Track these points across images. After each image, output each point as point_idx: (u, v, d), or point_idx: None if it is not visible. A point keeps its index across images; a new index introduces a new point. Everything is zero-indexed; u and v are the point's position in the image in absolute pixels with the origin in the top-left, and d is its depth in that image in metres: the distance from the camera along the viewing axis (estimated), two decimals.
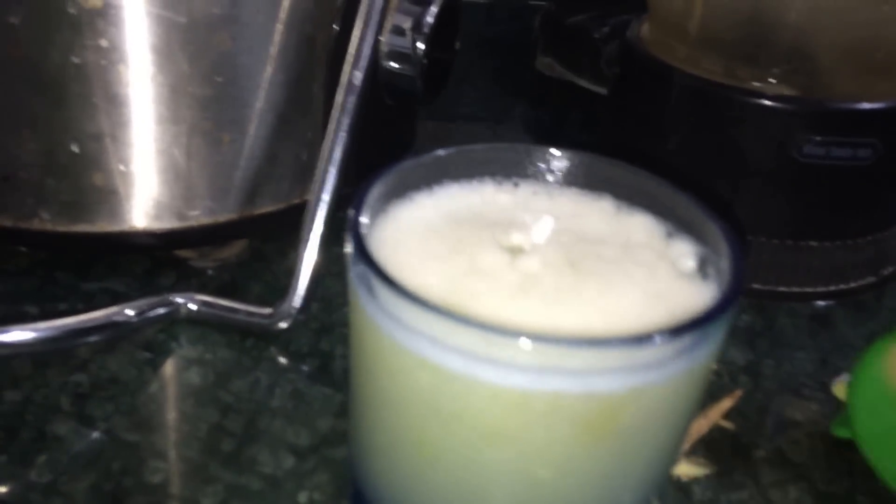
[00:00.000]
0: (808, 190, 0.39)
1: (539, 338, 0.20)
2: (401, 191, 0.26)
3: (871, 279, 0.42)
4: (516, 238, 0.26)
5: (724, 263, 0.24)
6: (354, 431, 0.27)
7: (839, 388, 0.36)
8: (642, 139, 0.42)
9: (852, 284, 0.41)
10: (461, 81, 0.57)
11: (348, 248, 0.23)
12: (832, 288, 0.41)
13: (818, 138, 0.37)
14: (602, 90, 0.54)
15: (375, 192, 0.25)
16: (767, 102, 0.37)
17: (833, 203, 0.39)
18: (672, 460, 0.27)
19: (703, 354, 0.22)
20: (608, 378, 0.21)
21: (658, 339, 0.21)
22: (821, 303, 0.41)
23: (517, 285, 0.24)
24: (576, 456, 0.23)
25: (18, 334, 0.32)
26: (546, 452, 0.23)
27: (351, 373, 0.26)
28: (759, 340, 0.39)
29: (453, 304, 0.23)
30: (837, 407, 0.35)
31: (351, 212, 0.23)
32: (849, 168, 0.38)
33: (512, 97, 0.59)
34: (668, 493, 0.31)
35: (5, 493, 0.29)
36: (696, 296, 0.24)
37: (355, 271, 0.23)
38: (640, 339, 0.21)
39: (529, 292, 0.23)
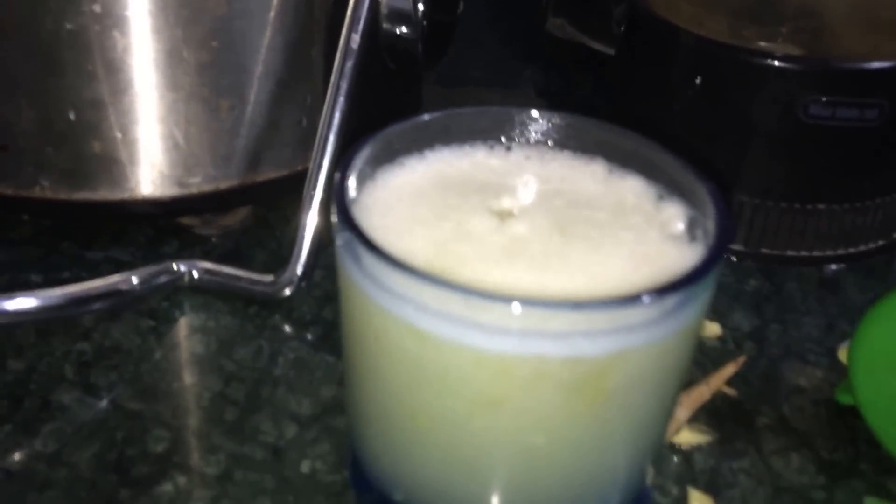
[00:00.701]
0: (815, 152, 0.38)
1: (521, 300, 0.20)
2: (391, 155, 0.26)
3: (881, 242, 0.41)
4: (506, 202, 0.26)
5: (710, 223, 0.24)
6: (349, 399, 0.27)
7: (845, 354, 0.35)
8: (648, 101, 0.42)
9: (862, 248, 0.41)
10: (471, 44, 0.57)
11: (334, 215, 0.23)
12: (841, 252, 0.41)
13: (824, 99, 0.37)
14: (610, 50, 0.53)
15: (363, 156, 0.25)
16: (773, 62, 0.37)
17: (840, 165, 0.39)
18: (664, 425, 0.27)
19: (687, 316, 0.23)
20: (592, 341, 0.21)
21: (642, 299, 0.21)
22: (830, 267, 0.41)
23: (504, 250, 0.24)
24: (564, 421, 0.23)
25: (22, 302, 0.33)
26: (534, 418, 0.23)
27: (343, 340, 0.26)
28: (765, 305, 0.38)
29: (439, 269, 0.23)
30: (843, 373, 0.35)
31: (336, 177, 0.23)
32: (856, 129, 0.37)
33: (522, 60, 0.59)
34: (668, 461, 0.31)
35: (12, 463, 0.30)
36: (684, 258, 0.24)
37: (341, 238, 0.23)
38: (622, 301, 0.21)
39: (516, 257, 0.24)
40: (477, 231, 0.24)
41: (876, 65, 0.37)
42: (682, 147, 0.26)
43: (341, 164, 0.24)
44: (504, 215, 0.25)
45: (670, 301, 0.21)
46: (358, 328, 0.24)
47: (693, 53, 0.39)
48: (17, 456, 0.30)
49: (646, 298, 0.21)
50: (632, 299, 0.21)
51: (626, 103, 0.44)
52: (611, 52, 0.51)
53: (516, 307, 0.20)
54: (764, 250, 0.40)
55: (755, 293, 0.39)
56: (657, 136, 0.27)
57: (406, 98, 0.46)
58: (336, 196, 0.23)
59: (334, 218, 0.23)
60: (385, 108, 0.40)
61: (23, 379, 0.33)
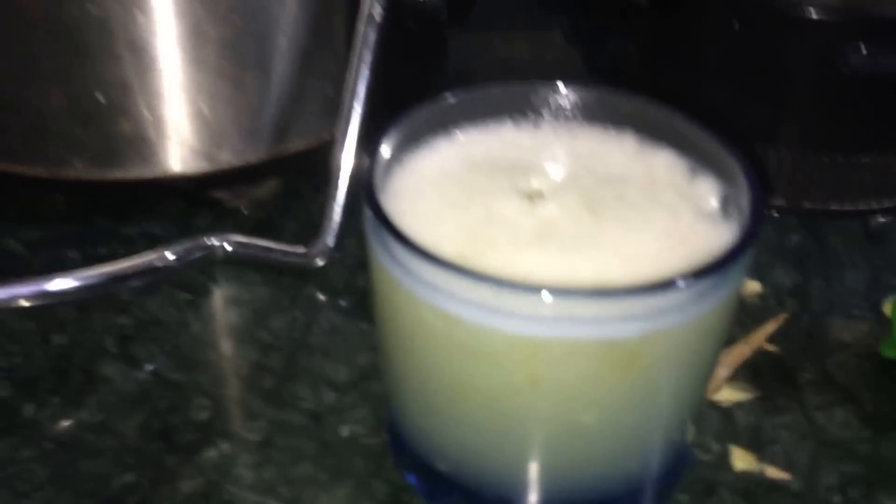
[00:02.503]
0: (857, 102, 0.38)
1: (551, 290, 0.21)
2: (418, 137, 0.27)
3: None
4: (535, 182, 0.26)
5: (745, 201, 0.24)
6: (386, 374, 0.29)
7: (890, 308, 0.36)
8: (683, 52, 0.42)
9: None
10: None
11: (364, 206, 0.24)
12: (886, 204, 0.41)
13: (865, 48, 0.36)
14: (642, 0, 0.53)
15: (390, 141, 0.26)
16: (812, 12, 0.37)
17: (883, 115, 0.39)
18: (703, 389, 0.28)
19: (721, 295, 0.23)
20: (624, 324, 0.22)
21: (677, 284, 0.22)
22: (876, 219, 0.41)
23: (535, 233, 0.25)
24: (600, 396, 0.24)
25: (62, 282, 0.35)
26: (569, 394, 0.24)
27: (376, 318, 0.28)
28: (808, 261, 0.39)
29: (470, 254, 0.24)
30: (888, 327, 0.35)
31: (364, 165, 0.24)
32: None
33: (550, 6, 0.59)
34: (709, 419, 0.32)
35: (61, 433, 0.32)
36: (718, 236, 0.25)
37: (370, 226, 0.24)
38: (655, 288, 0.22)
39: (547, 240, 0.25)
40: (507, 214, 0.25)
41: None
42: (714, 107, 0.27)
43: (368, 151, 0.25)
44: (534, 196, 0.26)
45: (704, 284, 0.22)
46: (390, 310, 0.25)
47: (730, 4, 0.39)
48: (65, 426, 0.32)
49: (680, 283, 0.21)
50: (665, 285, 0.21)
51: (660, 54, 0.44)
52: (643, 1, 0.51)
53: (546, 296, 0.21)
54: (806, 204, 0.41)
55: (797, 249, 0.40)
56: (692, 89, 0.27)
57: (431, 52, 0.47)
58: (364, 185, 0.24)
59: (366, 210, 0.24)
60: (410, 66, 0.40)
61: (66, 353, 0.35)
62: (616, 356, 0.23)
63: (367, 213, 0.24)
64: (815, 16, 0.37)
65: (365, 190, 0.24)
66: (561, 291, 0.21)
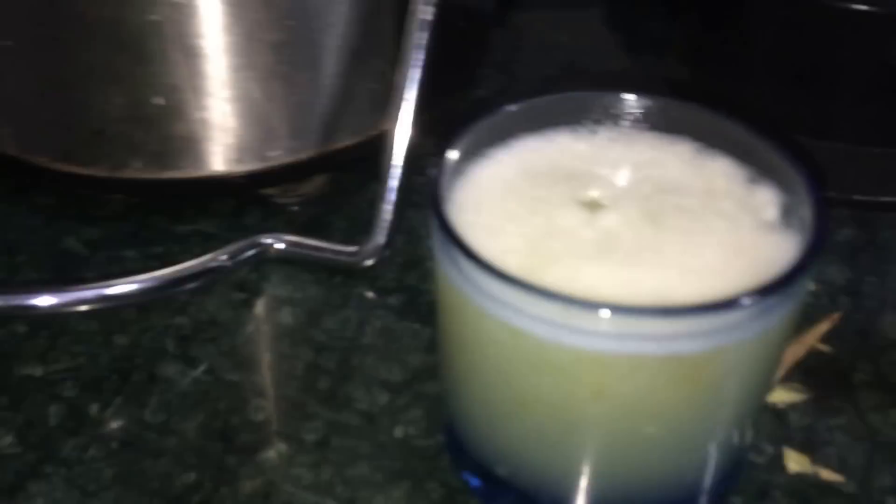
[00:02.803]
0: None
1: (617, 308, 0.22)
2: (478, 148, 0.27)
3: None
4: (594, 192, 0.27)
5: (806, 212, 0.25)
6: (444, 375, 0.29)
7: None
8: (730, 45, 0.41)
9: None
10: None
11: (432, 220, 0.25)
12: None
13: None
14: None
15: (453, 154, 0.26)
16: (862, 7, 0.36)
17: None
18: (763, 397, 0.28)
19: (787, 308, 0.24)
20: (689, 341, 0.23)
21: (741, 302, 0.22)
22: None
23: (596, 244, 0.25)
24: (662, 408, 0.25)
25: (121, 287, 0.36)
26: (632, 406, 0.25)
27: (438, 323, 0.28)
28: (860, 256, 0.39)
29: (532, 267, 0.24)
30: None
31: (430, 178, 0.25)
32: None
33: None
34: (762, 421, 0.32)
35: (125, 433, 0.33)
36: (779, 248, 0.25)
37: (438, 241, 0.25)
38: (719, 306, 0.22)
39: (608, 253, 0.25)
40: (567, 225, 0.26)
41: None
42: (761, 98, 0.27)
43: (434, 167, 0.25)
44: (593, 206, 0.26)
45: (770, 299, 0.22)
46: (455, 322, 0.26)
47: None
48: (129, 426, 0.33)
49: (746, 301, 0.22)
50: (731, 303, 0.22)
51: (705, 45, 0.43)
52: None
53: (611, 314, 0.22)
54: (856, 197, 0.40)
55: (848, 243, 0.39)
56: (738, 80, 0.27)
57: (473, 35, 0.47)
58: (431, 200, 0.24)
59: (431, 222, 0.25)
60: (453, 63, 0.40)
61: (128, 354, 0.36)
62: (680, 371, 0.23)
63: (435, 229, 0.25)
64: (865, 9, 0.37)
65: (432, 206, 0.24)
66: (626, 310, 0.22)
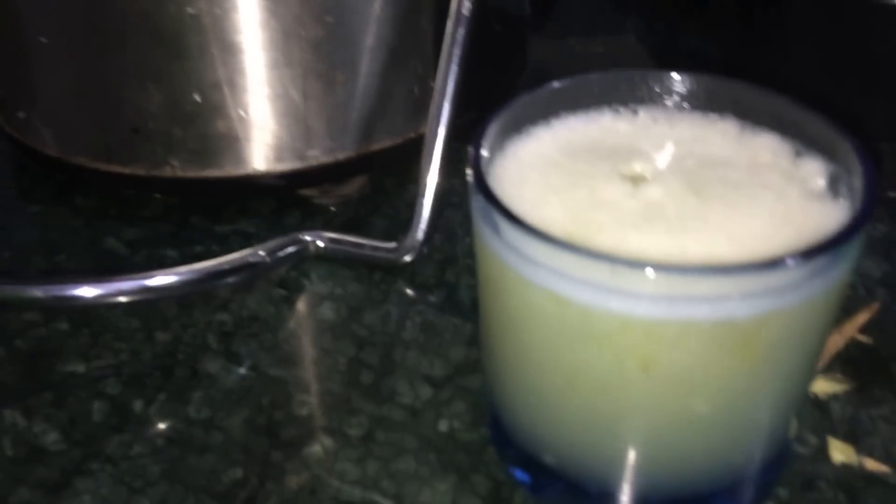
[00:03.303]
0: None
1: (666, 268, 0.22)
2: (518, 126, 0.28)
3: None
4: (637, 166, 0.27)
5: (857, 180, 0.25)
6: (488, 361, 0.29)
7: None
8: (765, 46, 0.42)
9: None
10: None
11: (471, 186, 0.25)
12: None
13: None
14: None
15: (493, 128, 0.26)
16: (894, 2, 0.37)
17: None
18: (810, 378, 0.28)
19: (837, 274, 0.24)
20: (740, 304, 0.22)
21: (789, 262, 0.22)
22: None
23: (640, 214, 0.25)
24: (713, 381, 0.24)
25: (162, 279, 0.36)
26: (681, 379, 0.24)
27: (480, 304, 0.28)
28: (895, 251, 0.39)
29: (576, 236, 0.24)
30: None
31: (471, 149, 0.25)
32: None
33: (624, 9, 0.59)
34: (805, 411, 0.32)
35: (170, 429, 0.33)
36: (828, 216, 0.25)
37: (477, 207, 0.25)
38: (769, 265, 0.22)
39: (653, 221, 0.25)
40: (611, 197, 0.26)
41: None
42: (804, 94, 0.27)
43: (474, 136, 0.26)
44: (636, 180, 0.26)
45: (820, 262, 0.22)
46: (497, 294, 0.26)
47: None
48: (174, 423, 0.33)
49: (792, 261, 0.22)
50: (776, 263, 0.22)
51: (741, 49, 0.44)
52: None
53: (662, 273, 0.22)
54: (891, 194, 0.40)
55: (884, 238, 0.40)
56: (775, 82, 0.27)
57: (512, 54, 0.48)
58: (473, 168, 0.25)
59: (470, 184, 0.25)
60: (492, 66, 0.41)
61: (171, 350, 0.36)
62: (731, 338, 0.23)
63: (475, 198, 0.25)
64: None
65: (473, 173, 0.25)
66: (674, 268, 0.22)
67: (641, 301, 0.23)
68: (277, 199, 0.43)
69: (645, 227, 0.25)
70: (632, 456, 0.27)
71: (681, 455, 0.27)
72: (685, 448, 0.26)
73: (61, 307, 0.37)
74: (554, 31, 0.54)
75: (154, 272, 0.36)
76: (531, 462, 0.29)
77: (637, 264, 0.22)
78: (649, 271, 0.22)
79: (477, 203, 0.25)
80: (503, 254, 0.24)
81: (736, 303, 0.22)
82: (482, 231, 0.25)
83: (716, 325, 0.23)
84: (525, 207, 0.25)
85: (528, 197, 0.26)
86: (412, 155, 0.38)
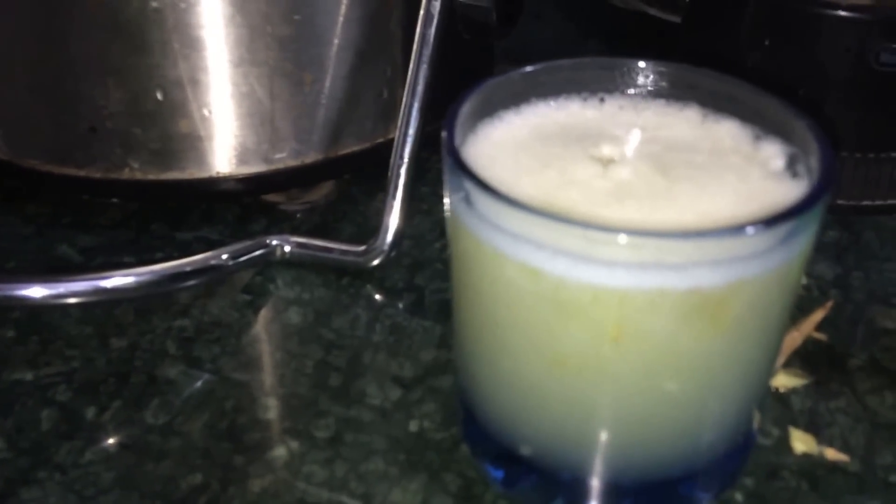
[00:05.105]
0: (888, 100, 0.41)
1: (639, 232, 0.23)
2: (488, 110, 0.29)
3: None
4: (606, 150, 0.28)
5: (814, 160, 0.26)
6: (461, 350, 0.30)
7: None
8: (719, 57, 0.44)
9: None
10: (533, 18, 0.59)
11: (445, 160, 0.26)
12: None
13: (895, 46, 0.39)
14: (675, 18, 0.55)
15: (465, 110, 0.28)
16: (843, 12, 0.39)
17: None
18: (772, 365, 0.29)
19: (798, 246, 0.25)
20: (710, 271, 0.24)
21: (754, 229, 0.23)
22: None
23: (611, 193, 0.27)
24: (680, 352, 0.26)
25: (119, 280, 0.36)
26: (650, 353, 0.26)
27: (453, 287, 0.29)
28: (846, 255, 0.42)
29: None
30: None
31: (444, 129, 0.26)
32: None
33: (585, 33, 0.62)
34: (767, 404, 0.34)
35: (126, 436, 0.33)
36: (788, 193, 0.27)
37: (452, 185, 0.26)
38: (736, 230, 0.23)
39: (624, 199, 0.26)
40: (582, 177, 0.27)
41: None
42: (771, 89, 0.29)
43: (446, 116, 0.27)
44: (606, 162, 0.28)
45: (782, 230, 0.24)
46: (471, 273, 0.27)
47: (764, 6, 0.41)
48: (129, 429, 0.33)
49: (760, 227, 0.23)
50: (740, 228, 0.23)
51: (696, 63, 0.46)
52: (671, 18, 0.53)
53: (635, 238, 0.23)
54: (840, 201, 0.43)
55: (835, 244, 0.42)
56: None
57: (478, 76, 0.49)
58: (446, 145, 0.26)
59: (444, 164, 0.26)
60: (458, 87, 0.42)
61: (126, 356, 0.36)
62: (699, 307, 0.24)
63: (450, 174, 0.26)
64: (847, 15, 0.39)
65: (447, 149, 0.26)
66: (647, 233, 0.23)
67: (615, 270, 0.24)
68: (242, 206, 0.43)
69: (615, 205, 0.26)
70: (604, 437, 0.28)
71: (651, 435, 0.28)
72: (655, 428, 0.27)
73: (8, 307, 0.36)
74: (516, 54, 0.56)
75: (110, 273, 0.36)
76: (504, 455, 0.30)
77: (611, 230, 0.23)
78: (622, 237, 0.23)
79: (451, 179, 0.26)
80: (477, 228, 0.25)
81: (704, 271, 0.24)
82: (456, 207, 0.26)
83: (685, 294, 0.24)
84: (498, 187, 0.26)
85: (499, 177, 0.27)
86: (381, 160, 0.39)
